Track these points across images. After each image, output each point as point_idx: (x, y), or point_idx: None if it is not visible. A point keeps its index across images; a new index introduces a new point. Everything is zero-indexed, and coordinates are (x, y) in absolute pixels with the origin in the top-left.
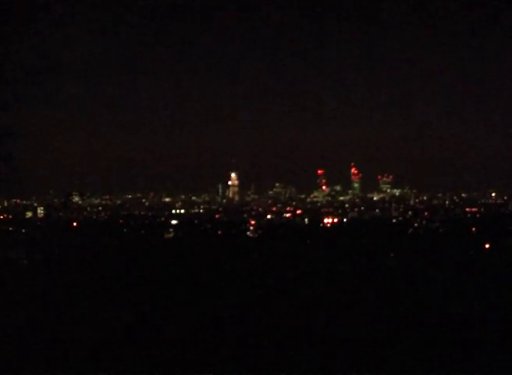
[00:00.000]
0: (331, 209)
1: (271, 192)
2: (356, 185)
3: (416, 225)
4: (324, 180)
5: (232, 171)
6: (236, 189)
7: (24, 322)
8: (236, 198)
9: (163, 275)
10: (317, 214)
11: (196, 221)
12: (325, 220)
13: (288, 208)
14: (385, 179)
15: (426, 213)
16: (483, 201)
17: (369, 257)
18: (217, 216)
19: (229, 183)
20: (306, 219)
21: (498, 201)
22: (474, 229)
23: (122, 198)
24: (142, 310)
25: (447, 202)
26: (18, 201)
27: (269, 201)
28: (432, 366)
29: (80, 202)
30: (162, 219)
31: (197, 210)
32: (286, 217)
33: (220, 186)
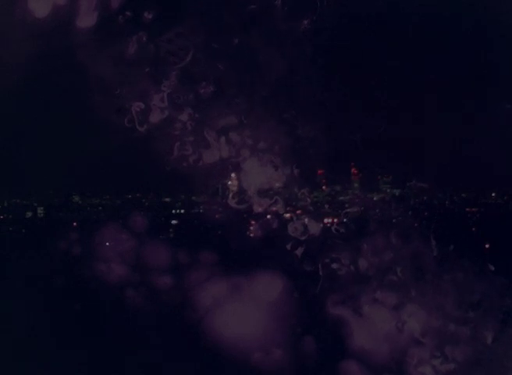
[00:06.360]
0: (330, 209)
1: (271, 192)
2: (356, 185)
3: (416, 225)
4: (324, 180)
5: (232, 171)
6: (236, 189)
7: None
8: (236, 198)
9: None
10: (316, 214)
11: (196, 221)
12: (325, 220)
13: (288, 208)
14: (385, 179)
15: (426, 213)
16: (483, 201)
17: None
18: (217, 216)
19: (229, 183)
20: (306, 220)
21: (498, 201)
22: (474, 229)
23: (122, 198)
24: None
25: (447, 202)
26: (18, 201)
27: (269, 202)
28: None
29: (80, 202)
30: (162, 219)
31: (197, 210)
32: (285, 217)
33: (220, 186)
